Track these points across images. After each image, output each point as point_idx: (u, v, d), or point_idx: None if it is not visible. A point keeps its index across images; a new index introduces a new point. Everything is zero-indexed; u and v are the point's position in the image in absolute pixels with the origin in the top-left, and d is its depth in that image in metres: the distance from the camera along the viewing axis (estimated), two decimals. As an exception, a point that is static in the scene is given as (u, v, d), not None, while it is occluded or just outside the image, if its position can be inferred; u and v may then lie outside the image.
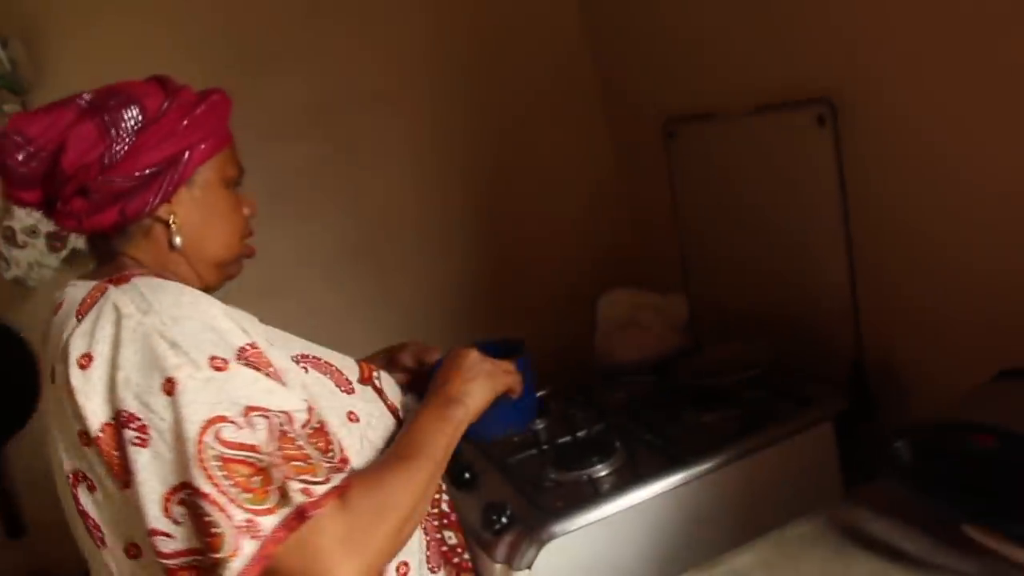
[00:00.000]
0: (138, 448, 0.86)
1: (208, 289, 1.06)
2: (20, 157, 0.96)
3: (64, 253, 1.79)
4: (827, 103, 1.47)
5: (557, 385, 1.83)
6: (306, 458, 0.89)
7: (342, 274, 2.06)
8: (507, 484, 1.50)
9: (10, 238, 1.74)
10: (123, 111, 0.97)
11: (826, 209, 1.54)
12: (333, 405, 1.01)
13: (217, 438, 0.85)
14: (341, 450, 0.97)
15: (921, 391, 1.50)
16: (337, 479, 0.90)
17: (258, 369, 0.91)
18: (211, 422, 0.86)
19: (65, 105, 0.98)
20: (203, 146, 1.02)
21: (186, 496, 0.85)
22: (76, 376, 0.89)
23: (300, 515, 0.85)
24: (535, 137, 2.18)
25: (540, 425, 1.71)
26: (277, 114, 1.91)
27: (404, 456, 1.01)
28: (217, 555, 0.83)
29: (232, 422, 0.86)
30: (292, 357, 1.01)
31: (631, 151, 2.19)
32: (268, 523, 0.84)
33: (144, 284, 0.94)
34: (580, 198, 2.24)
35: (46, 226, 1.76)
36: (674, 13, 1.85)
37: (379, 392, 1.12)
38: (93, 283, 0.96)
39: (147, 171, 0.98)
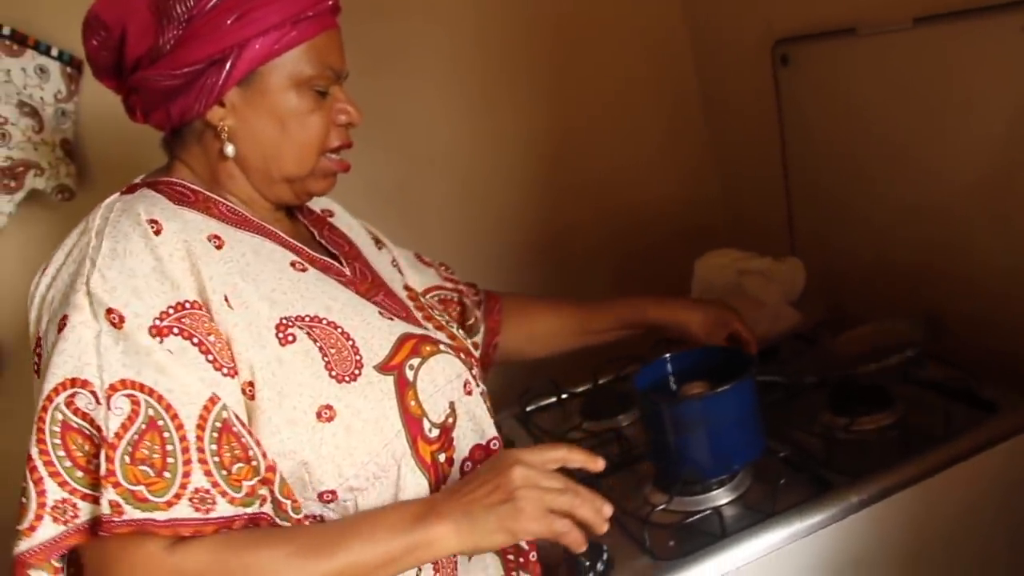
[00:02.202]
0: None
1: (280, 206, 1.00)
2: (95, 43, 0.92)
3: (20, 195, 1.42)
4: (1043, 4, 1.08)
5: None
6: (160, 465, 0.77)
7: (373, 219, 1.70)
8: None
9: (-51, 175, 1.36)
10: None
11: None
12: (302, 391, 0.85)
13: (68, 403, 0.78)
14: (263, 455, 0.82)
15: None
16: (182, 510, 0.76)
17: (178, 335, 0.80)
18: (69, 384, 0.78)
19: None
20: (258, 44, 0.89)
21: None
22: (33, 283, 0.88)
23: (93, 526, 0.78)
24: (606, 71, 1.79)
25: (627, 423, 1.36)
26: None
27: (312, 545, 0.80)
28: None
29: (92, 392, 0.78)
30: (282, 320, 0.87)
31: (723, 81, 1.80)
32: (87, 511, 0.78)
33: (136, 199, 0.88)
34: (656, 140, 1.85)
35: (-5, 161, 1.38)
36: None
37: (405, 386, 0.90)
38: None
39: (190, 69, 0.88)
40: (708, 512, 1.08)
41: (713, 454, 1.09)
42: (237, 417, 0.82)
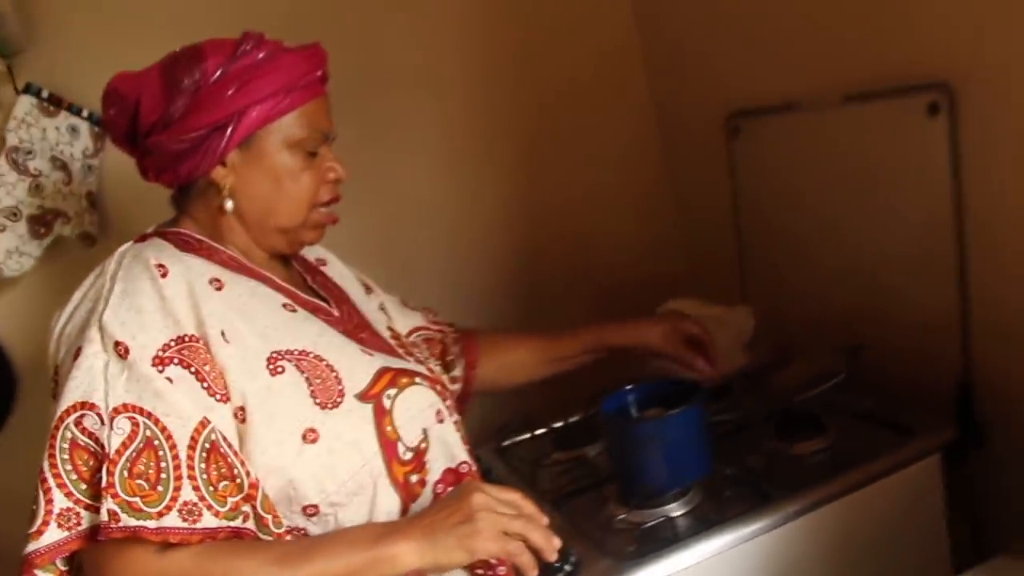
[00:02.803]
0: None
1: (275, 254, 1.09)
2: (112, 112, 1.02)
3: (48, 240, 1.57)
4: (943, 89, 1.28)
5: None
6: (154, 480, 0.86)
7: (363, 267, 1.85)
8: (567, 523, 1.28)
9: (-13, 220, 1.51)
10: (188, 71, 0.98)
11: (932, 210, 1.34)
12: (289, 416, 0.95)
13: (77, 423, 0.87)
14: (247, 474, 0.91)
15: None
16: (171, 520, 0.85)
17: (178, 365, 0.90)
18: (79, 406, 0.88)
19: (156, 64, 1.01)
20: (256, 111, 1.00)
21: None
22: (54, 319, 0.99)
23: (93, 533, 0.85)
24: (577, 132, 1.98)
25: (593, 453, 1.50)
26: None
27: (286, 555, 0.89)
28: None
29: (98, 414, 0.87)
30: (272, 354, 0.97)
31: (685, 148, 1.99)
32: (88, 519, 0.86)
33: (146, 246, 0.99)
34: (625, 199, 2.04)
35: (29, 208, 1.54)
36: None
37: (382, 413, 1.00)
38: None
39: (196, 134, 0.98)
40: (662, 520, 1.23)
41: (667, 470, 1.24)
42: (225, 439, 0.90)
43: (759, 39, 1.64)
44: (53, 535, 0.86)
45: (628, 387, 1.37)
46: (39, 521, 0.86)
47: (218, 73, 0.98)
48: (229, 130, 0.99)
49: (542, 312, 1.98)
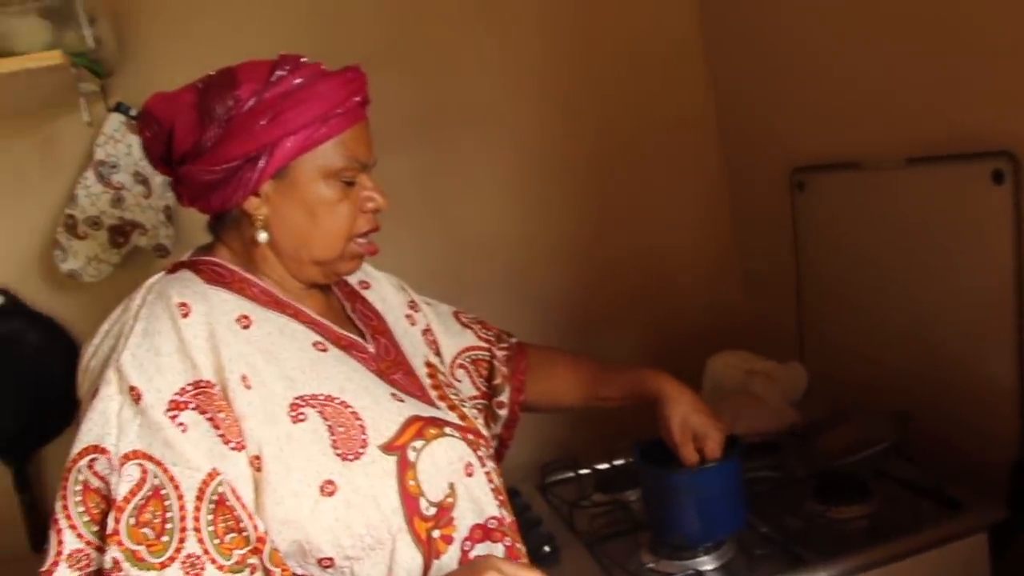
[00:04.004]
0: None
1: (310, 285, 1.07)
2: (148, 135, 1.01)
3: (126, 250, 1.68)
4: (1008, 157, 1.29)
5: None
6: (159, 530, 0.86)
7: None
8: (595, 564, 1.32)
9: (71, 227, 1.63)
10: (220, 99, 0.96)
11: (994, 278, 1.34)
12: (308, 466, 0.92)
13: (89, 466, 0.87)
14: (254, 528, 0.89)
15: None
16: (173, 573, 0.84)
17: (194, 410, 0.89)
18: (92, 450, 0.87)
19: (190, 86, 0.99)
20: (290, 142, 0.97)
21: None
22: (83, 350, 0.98)
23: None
24: (645, 178, 2.03)
25: (633, 498, 1.53)
26: (374, 122, 1.79)
27: None
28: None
29: (108, 459, 0.87)
30: (296, 399, 0.94)
31: (749, 201, 2.02)
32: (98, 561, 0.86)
33: (173, 281, 0.97)
34: (688, 247, 2.07)
35: (110, 219, 1.65)
36: (812, 50, 1.68)
37: (405, 467, 0.97)
38: None
39: (228, 165, 0.97)
40: (691, 574, 1.25)
41: (700, 523, 1.26)
42: (234, 492, 0.88)
43: (827, 98, 1.66)
44: (63, 575, 0.87)
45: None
46: (49, 561, 0.87)
47: (252, 101, 0.96)
48: (262, 162, 0.97)
49: (595, 351, 1.99)
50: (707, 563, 1.28)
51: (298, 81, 0.98)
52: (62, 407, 1.63)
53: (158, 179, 1.70)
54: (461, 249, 1.95)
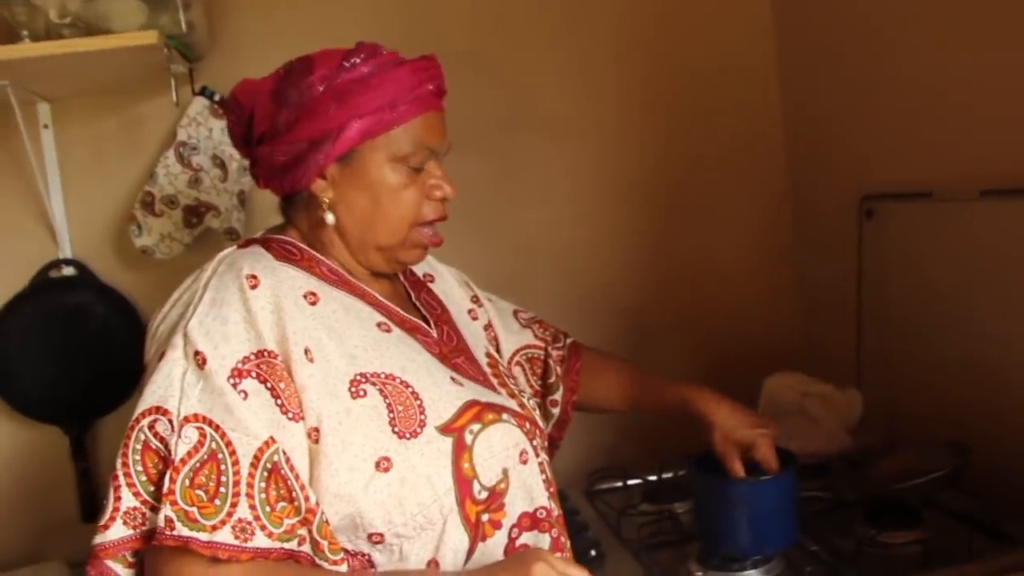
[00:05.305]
0: None
1: (376, 272, 1.12)
2: (232, 118, 1.10)
3: (199, 230, 1.76)
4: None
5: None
6: (212, 493, 0.89)
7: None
8: (641, 572, 1.38)
9: (148, 204, 1.72)
10: (296, 83, 1.03)
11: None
12: (365, 442, 0.96)
13: (151, 427, 0.92)
14: (305, 499, 0.93)
15: None
16: (223, 536, 0.89)
17: (255, 379, 0.93)
18: (154, 411, 0.93)
19: (273, 73, 1.07)
20: (357, 124, 1.02)
21: None
22: (153, 317, 1.07)
23: (149, 535, 0.90)
24: (711, 195, 2.08)
25: (682, 510, 1.58)
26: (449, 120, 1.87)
27: None
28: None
29: (170, 421, 0.92)
30: (357, 376, 0.98)
31: (816, 225, 2.06)
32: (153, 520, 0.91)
33: (244, 255, 1.03)
34: (751, 266, 2.12)
35: (186, 199, 1.74)
36: (889, 76, 1.72)
37: (462, 449, 1.01)
38: None
39: (298, 147, 1.03)
40: (743, 586, 1.30)
41: (751, 535, 1.30)
42: (288, 461, 0.92)
43: (902, 125, 1.70)
44: (118, 531, 0.92)
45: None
46: (106, 516, 0.92)
47: (323, 87, 1.01)
48: (328, 145, 1.02)
49: (650, 362, 2.04)
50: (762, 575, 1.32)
51: (368, 69, 1.03)
52: (122, 380, 1.74)
53: (235, 164, 1.79)
54: (522, 253, 2.01)
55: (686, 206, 2.07)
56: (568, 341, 1.44)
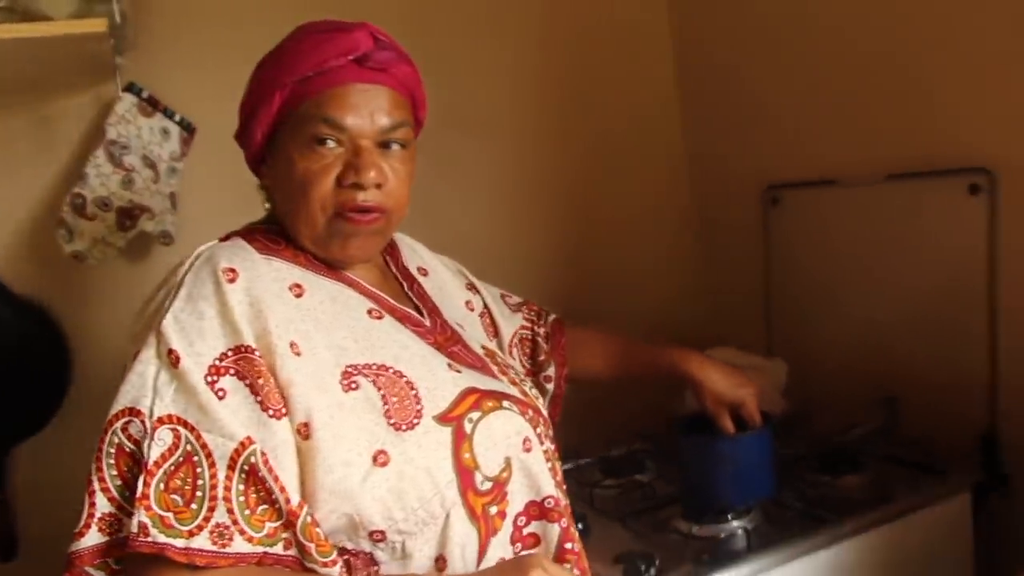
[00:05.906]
0: None
1: (331, 264, 1.06)
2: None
3: (132, 234, 1.69)
4: (984, 173, 1.56)
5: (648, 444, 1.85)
6: (189, 497, 0.88)
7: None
8: (632, 535, 1.48)
9: (79, 207, 1.63)
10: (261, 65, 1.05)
11: (968, 281, 1.61)
12: (360, 435, 0.93)
13: (124, 429, 0.90)
14: (286, 500, 0.90)
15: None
16: (200, 542, 0.87)
17: (234, 376, 0.91)
18: (127, 412, 0.90)
19: None
20: (261, 108, 1.02)
21: None
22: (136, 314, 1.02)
23: (122, 542, 0.88)
24: (621, 193, 2.23)
25: (646, 479, 1.69)
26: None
27: None
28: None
29: (143, 422, 0.89)
30: (348, 368, 0.96)
31: (720, 211, 2.23)
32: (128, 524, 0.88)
33: (223, 248, 1.00)
34: (656, 258, 2.27)
35: (119, 200, 1.66)
36: (789, 67, 1.90)
37: (461, 438, 0.98)
38: None
39: (247, 128, 1.04)
40: (723, 536, 1.42)
41: (738, 488, 1.43)
42: (266, 462, 0.89)
43: (804, 115, 1.90)
44: (93, 538, 0.89)
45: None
46: (82, 523, 0.89)
47: (262, 68, 1.04)
48: (255, 122, 1.02)
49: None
50: (736, 528, 1.44)
51: (302, 39, 1.02)
52: (44, 401, 1.64)
53: (163, 165, 1.73)
54: (449, 250, 2.06)
55: (603, 204, 2.20)
56: (551, 318, 1.46)
